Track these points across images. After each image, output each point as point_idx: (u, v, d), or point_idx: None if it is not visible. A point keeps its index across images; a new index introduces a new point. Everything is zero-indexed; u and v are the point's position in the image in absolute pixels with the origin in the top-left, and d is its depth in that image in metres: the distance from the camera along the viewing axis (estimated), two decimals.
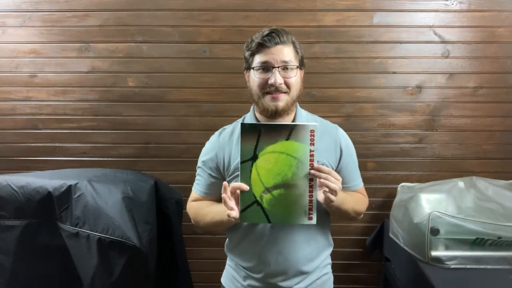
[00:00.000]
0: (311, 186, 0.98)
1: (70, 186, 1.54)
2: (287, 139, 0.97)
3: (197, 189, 1.26)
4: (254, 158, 0.97)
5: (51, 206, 1.56)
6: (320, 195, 1.00)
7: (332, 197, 0.97)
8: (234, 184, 0.99)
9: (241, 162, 0.98)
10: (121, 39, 1.94)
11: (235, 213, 0.98)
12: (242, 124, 0.98)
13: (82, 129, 2.02)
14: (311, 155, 0.97)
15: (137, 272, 1.54)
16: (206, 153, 1.23)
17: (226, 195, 0.98)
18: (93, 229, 1.49)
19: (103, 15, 1.92)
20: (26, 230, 1.58)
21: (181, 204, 1.87)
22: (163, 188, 1.82)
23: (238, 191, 0.99)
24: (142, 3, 1.91)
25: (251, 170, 0.98)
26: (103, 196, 1.54)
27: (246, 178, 0.98)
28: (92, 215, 1.50)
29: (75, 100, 1.99)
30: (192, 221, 1.26)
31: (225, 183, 0.99)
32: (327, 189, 0.97)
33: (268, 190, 0.98)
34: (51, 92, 1.99)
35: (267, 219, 1.00)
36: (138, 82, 1.97)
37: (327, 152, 1.15)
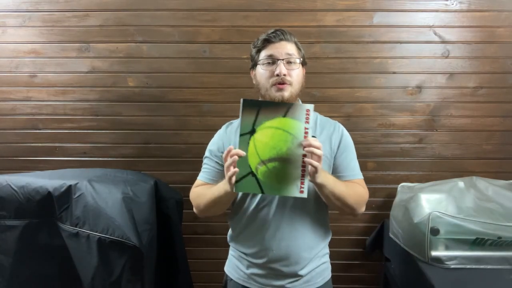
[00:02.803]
0: (303, 162, 1.03)
1: (70, 186, 1.54)
2: (284, 116, 1.03)
3: (202, 177, 1.31)
4: (252, 131, 1.03)
5: (51, 206, 1.56)
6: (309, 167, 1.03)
7: (314, 162, 1.00)
8: (233, 150, 1.03)
9: (240, 135, 1.04)
10: (121, 39, 1.94)
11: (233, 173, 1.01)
12: (244, 100, 1.03)
13: (82, 129, 2.02)
14: (306, 133, 1.03)
15: (137, 272, 1.54)
16: (214, 144, 1.31)
17: (227, 155, 1.03)
18: (93, 229, 1.49)
19: (103, 15, 1.92)
20: (26, 230, 1.58)
21: (181, 204, 1.87)
22: (163, 188, 1.81)
23: (236, 157, 1.02)
24: (142, 3, 1.91)
25: (248, 143, 1.04)
26: (103, 196, 1.54)
27: (244, 150, 1.04)
28: (92, 215, 1.50)
29: (75, 100, 1.99)
30: (193, 206, 1.30)
31: (230, 146, 1.04)
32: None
33: (263, 162, 1.04)
34: (51, 92, 1.99)
35: (260, 190, 1.05)
36: (138, 82, 1.97)
37: (325, 143, 1.20)
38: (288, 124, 1.03)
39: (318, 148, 1.01)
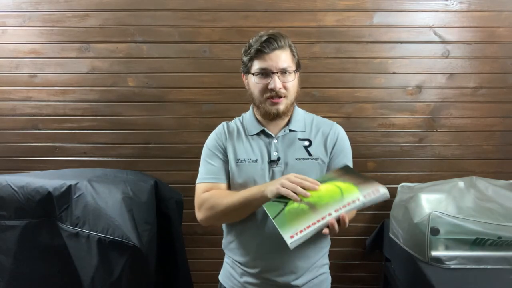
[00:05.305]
0: (323, 218, 0.96)
1: (70, 186, 1.54)
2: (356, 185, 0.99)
3: (207, 178, 1.20)
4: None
5: (51, 206, 1.56)
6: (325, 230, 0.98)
7: (333, 231, 0.97)
8: (306, 180, 1.00)
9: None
10: (121, 39, 1.94)
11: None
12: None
13: (82, 129, 2.02)
14: (353, 202, 0.97)
15: (137, 272, 1.54)
16: (214, 140, 1.24)
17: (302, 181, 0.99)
18: (93, 229, 1.49)
19: (103, 15, 1.92)
20: (26, 230, 1.58)
21: (181, 204, 1.87)
22: (163, 188, 1.81)
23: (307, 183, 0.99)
24: (142, 3, 1.91)
25: None
26: (103, 196, 1.54)
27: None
28: (92, 215, 1.50)
29: (75, 100, 1.99)
30: (202, 213, 1.17)
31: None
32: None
33: (301, 200, 0.99)
34: (51, 92, 1.99)
35: (274, 216, 1.01)
36: (138, 82, 1.97)
37: (320, 145, 1.19)
38: (347, 188, 0.99)
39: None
